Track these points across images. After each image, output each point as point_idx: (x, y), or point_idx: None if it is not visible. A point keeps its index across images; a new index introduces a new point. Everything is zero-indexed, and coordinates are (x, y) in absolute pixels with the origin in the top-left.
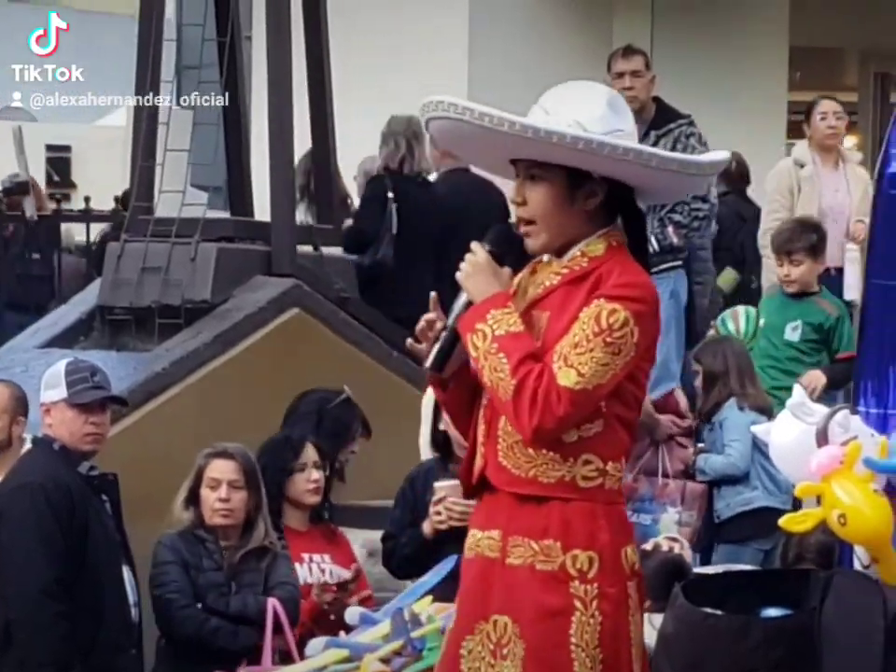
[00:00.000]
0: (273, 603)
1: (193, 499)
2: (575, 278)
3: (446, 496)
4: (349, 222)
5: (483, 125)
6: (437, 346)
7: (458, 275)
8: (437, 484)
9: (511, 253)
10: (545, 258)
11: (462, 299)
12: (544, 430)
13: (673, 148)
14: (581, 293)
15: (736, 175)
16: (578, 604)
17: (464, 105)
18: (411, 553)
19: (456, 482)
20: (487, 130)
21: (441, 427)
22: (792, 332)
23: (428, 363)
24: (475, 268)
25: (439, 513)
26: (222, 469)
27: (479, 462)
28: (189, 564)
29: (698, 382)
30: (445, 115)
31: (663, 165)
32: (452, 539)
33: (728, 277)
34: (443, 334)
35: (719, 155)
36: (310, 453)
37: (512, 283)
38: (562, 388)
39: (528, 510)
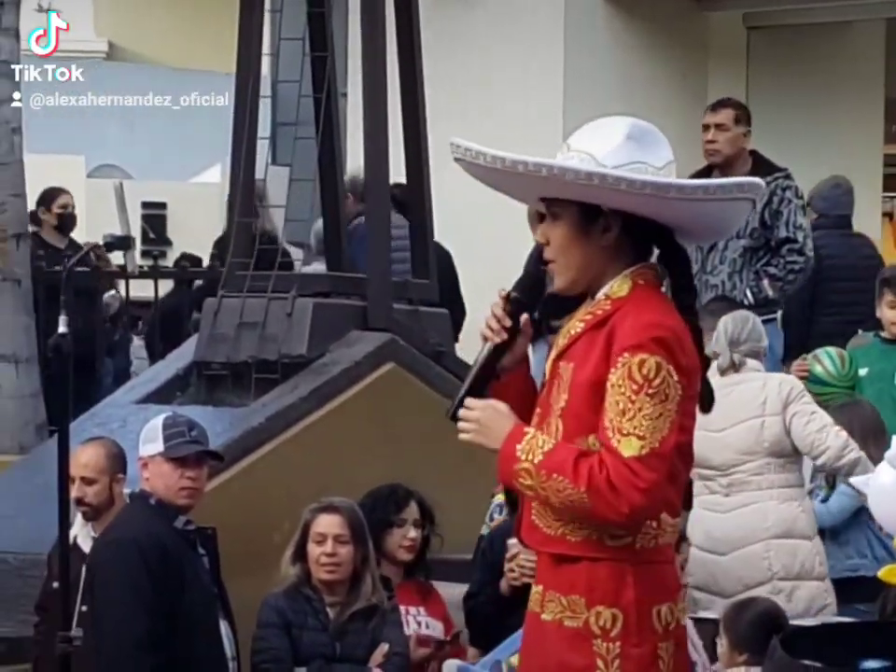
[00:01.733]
0: None
1: (300, 555)
2: (597, 323)
3: (518, 552)
4: None
5: (488, 165)
6: (457, 398)
7: (464, 437)
8: (510, 542)
9: (537, 298)
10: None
11: (483, 350)
12: (637, 509)
13: (769, 201)
14: (601, 340)
15: None
16: (599, 662)
17: (477, 150)
18: (491, 611)
19: None
20: (491, 171)
21: None
22: None
23: (449, 414)
24: (477, 423)
25: (512, 570)
26: (328, 524)
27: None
28: (292, 624)
29: None
30: (461, 157)
31: (682, 195)
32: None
33: None
34: (463, 389)
35: (749, 178)
36: (413, 509)
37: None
38: (630, 460)
39: (563, 566)
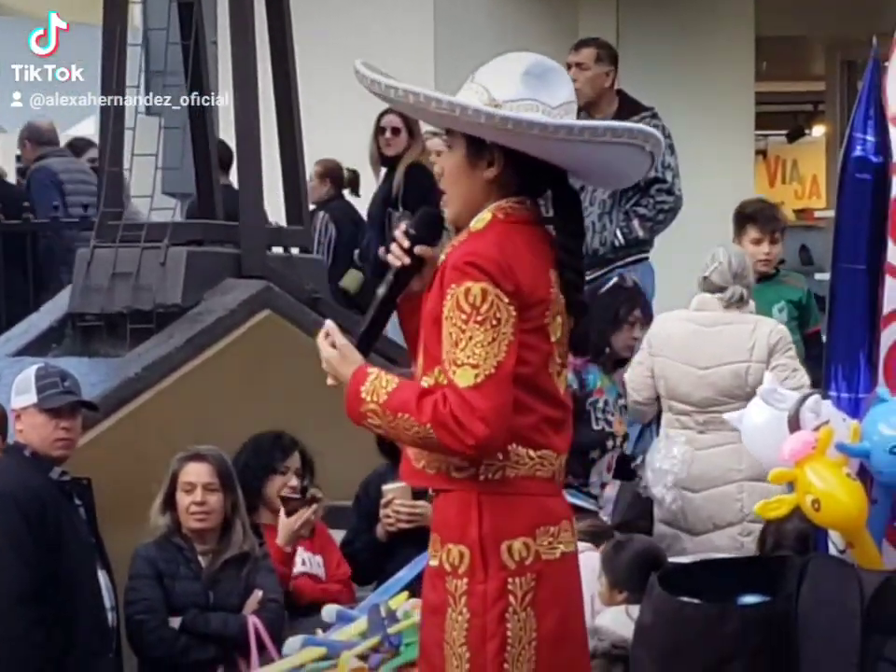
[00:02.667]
0: (254, 623)
1: (169, 504)
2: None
3: (394, 498)
4: None
5: (381, 94)
6: (361, 330)
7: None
8: (385, 487)
9: (434, 236)
10: None
11: (388, 276)
12: (481, 438)
13: None
14: (439, 273)
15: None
16: (450, 599)
17: (372, 79)
18: (368, 557)
19: (403, 484)
20: (392, 100)
21: None
22: (779, 314)
23: (355, 345)
24: (326, 362)
25: (388, 516)
26: (197, 473)
27: None
28: (164, 574)
29: None
30: (363, 83)
31: (569, 136)
32: (407, 541)
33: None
34: (366, 319)
35: (643, 127)
36: (296, 458)
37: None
38: (466, 390)
39: (434, 504)
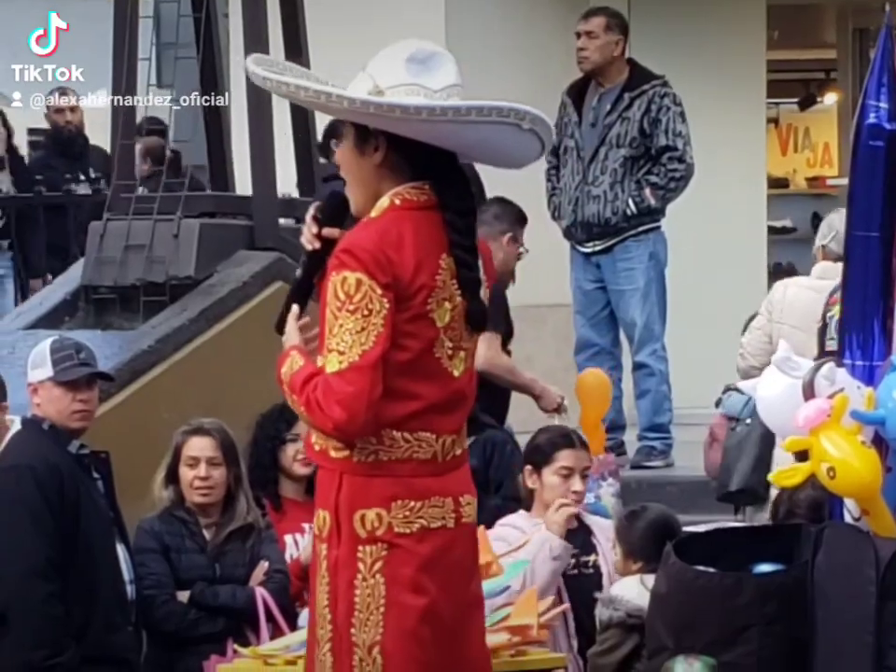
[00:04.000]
0: (261, 594)
1: (172, 478)
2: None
3: None
4: None
5: (273, 90)
6: (280, 312)
7: None
8: None
9: (341, 219)
10: None
11: (299, 266)
12: (339, 421)
13: (647, 109)
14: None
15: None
16: (317, 562)
17: (264, 76)
18: None
19: None
20: (283, 96)
21: None
22: None
23: (275, 326)
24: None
25: None
26: (200, 447)
27: None
28: (169, 547)
29: None
30: (254, 76)
31: (432, 117)
32: None
33: None
34: (284, 301)
35: (513, 104)
36: (303, 425)
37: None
38: (330, 376)
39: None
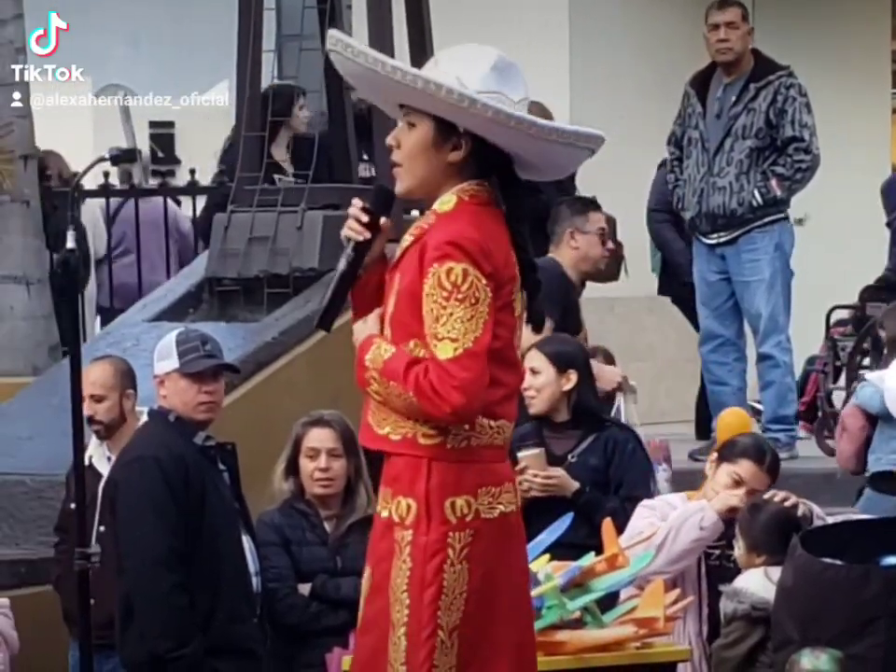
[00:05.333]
0: None
1: (293, 470)
2: (420, 236)
3: (527, 466)
4: None
5: (367, 66)
6: (322, 304)
7: None
8: (520, 455)
9: (389, 210)
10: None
11: (347, 251)
12: (458, 406)
13: (773, 100)
14: (416, 252)
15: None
16: (396, 548)
17: (359, 49)
18: None
19: (539, 450)
20: (371, 72)
21: None
22: None
23: (316, 320)
24: (355, 335)
25: (520, 483)
26: (320, 438)
27: None
28: (290, 541)
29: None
30: (338, 52)
31: (540, 133)
32: (541, 509)
33: None
34: (327, 295)
35: (593, 131)
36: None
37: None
38: (446, 362)
39: (387, 463)
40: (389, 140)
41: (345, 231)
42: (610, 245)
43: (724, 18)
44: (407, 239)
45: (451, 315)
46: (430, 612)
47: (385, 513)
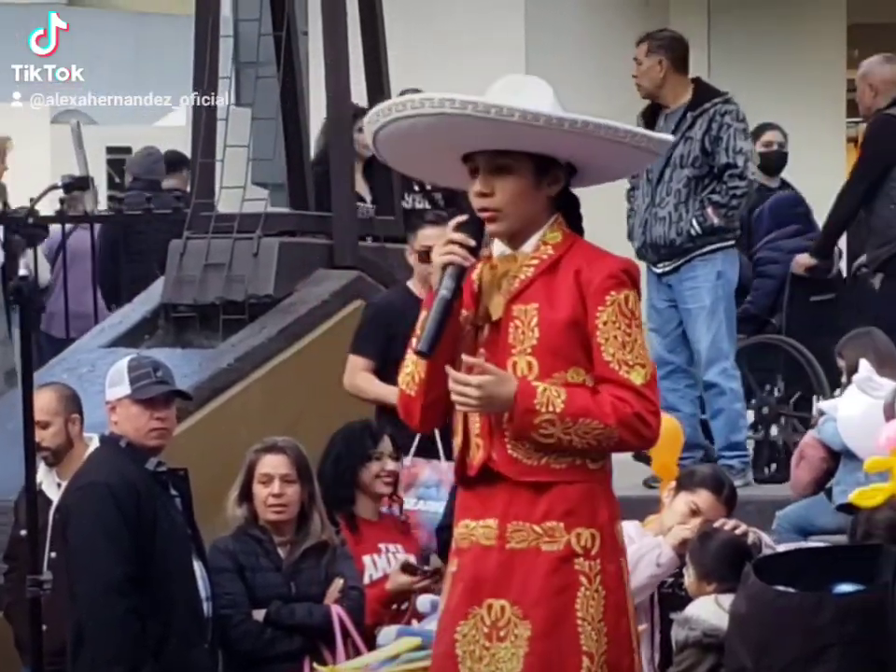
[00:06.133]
0: (337, 612)
1: (246, 496)
2: (547, 268)
3: None
4: None
5: (488, 117)
6: (427, 330)
7: (465, 409)
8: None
9: (479, 241)
10: (496, 251)
11: (447, 279)
12: (657, 430)
13: (709, 128)
14: (562, 282)
15: None
16: (583, 580)
17: (463, 99)
18: None
19: None
20: (482, 121)
21: None
22: None
23: (422, 346)
24: (480, 397)
25: None
26: (273, 464)
27: (480, 455)
28: (244, 567)
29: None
30: (438, 111)
31: (634, 141)
32: None
33: None
34: (430, 318)
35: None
36: (387, 443)
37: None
38: (642, 388)
39: (526, 496)
40: (481, 187)
41: (448, 258)
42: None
43: (635, 54)
44: (527, 271)
45: (635, 341)
46: (628, 638)
47: (552, 546)
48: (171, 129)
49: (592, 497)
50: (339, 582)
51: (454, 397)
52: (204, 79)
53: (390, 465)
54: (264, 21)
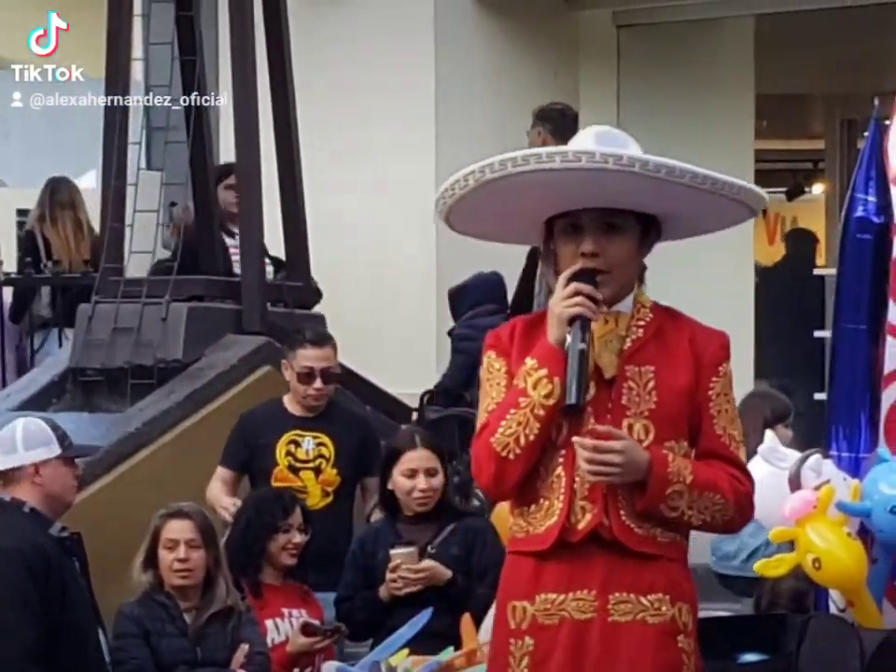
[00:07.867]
0: None
1: (151, 562)
2: (656, 331)
3: (401, 563)
4: None
5: (654, 176)
6: (574, 381)
7: (598, 478)
8: (392, 552)
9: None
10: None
11: (580, 332)
12: (752, 515)
13: None
14: (677, 348)
15: None
16: (684, 658)
17: (630, 156)
18: (367, 616)
19: (413, 549)
20: (647, 180)
21: (390, 486)
22: None
23: (572, 399)
24: (621, 465)
25: (395, 581)
26: (179, 529)
27: (588, 519)
28: (150, 632)
29: None
30: (600, 166)
31: (730, 193)
32: (407, 601)
33: None
34: (571, 371)
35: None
36: (298, 514)
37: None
38: (745, 467)
39: (631, 566)
40: (591, 247)
41: (576, 310)
42: (318, 384)
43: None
44: (637, 332)
45: (736, 416)
46: None
47: (655, 619)
48: (84, 191)
49: (686, 570)
50: (244, 648)
51: (589, 466)
52: (114, 144)
53: (297, 538)
54: (175, 87)
